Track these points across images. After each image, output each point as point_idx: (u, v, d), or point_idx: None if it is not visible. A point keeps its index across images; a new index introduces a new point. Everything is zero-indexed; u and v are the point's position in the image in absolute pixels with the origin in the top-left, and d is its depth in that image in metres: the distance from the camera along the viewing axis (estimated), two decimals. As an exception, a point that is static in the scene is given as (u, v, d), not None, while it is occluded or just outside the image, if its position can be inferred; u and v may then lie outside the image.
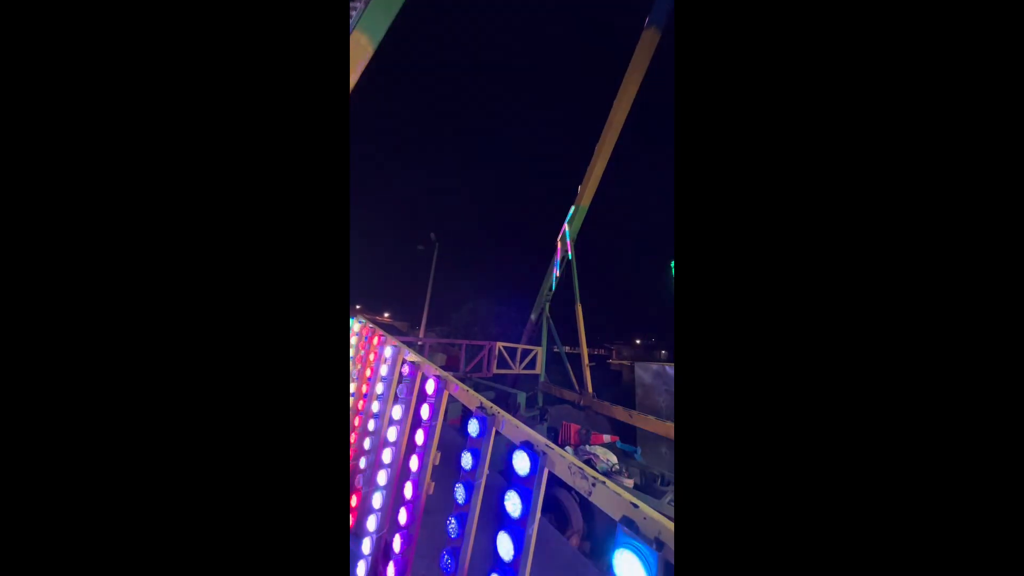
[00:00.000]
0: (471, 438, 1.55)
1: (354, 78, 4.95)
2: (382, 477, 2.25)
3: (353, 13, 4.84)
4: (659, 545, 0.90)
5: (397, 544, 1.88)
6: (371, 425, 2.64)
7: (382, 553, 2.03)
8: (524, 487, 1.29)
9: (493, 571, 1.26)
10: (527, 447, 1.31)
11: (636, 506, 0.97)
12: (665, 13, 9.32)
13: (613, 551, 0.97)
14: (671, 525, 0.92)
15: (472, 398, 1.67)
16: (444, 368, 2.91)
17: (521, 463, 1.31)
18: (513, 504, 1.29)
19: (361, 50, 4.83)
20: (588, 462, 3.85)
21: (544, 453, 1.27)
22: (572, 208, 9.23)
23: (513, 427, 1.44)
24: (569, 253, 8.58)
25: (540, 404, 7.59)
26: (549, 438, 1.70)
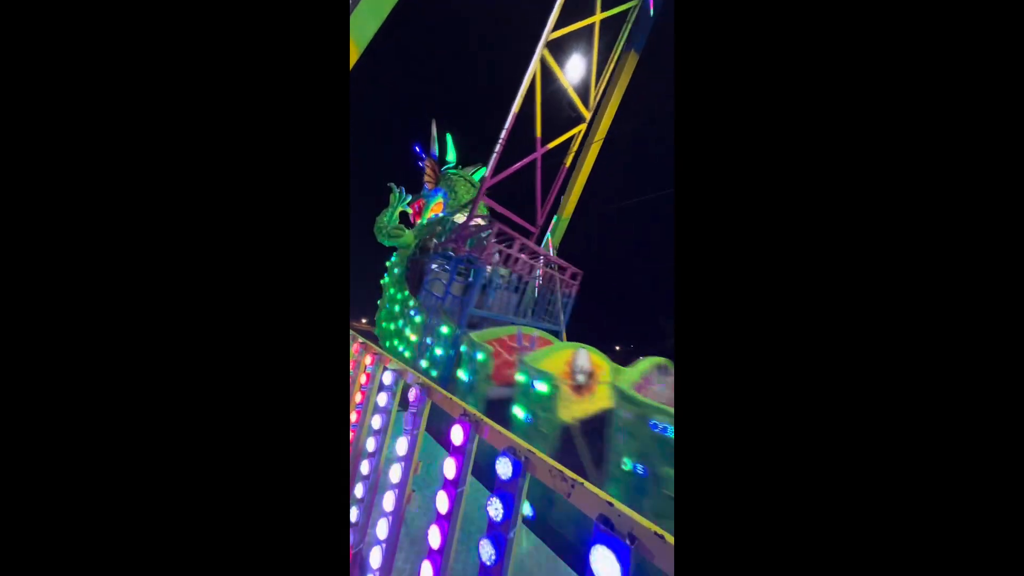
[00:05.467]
0: (454, 446, 1.58)
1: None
2: (359, 489, 2.21)
3: None
4: (632, 539, 0.97)
5: (376, 559, 1.85)
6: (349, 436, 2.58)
7: (359, 568, 1.98)
8: (506, 492, 1.33)
9: (475, 576, 1.28)
10: (509, 453, 1.36)
11: (611, 504, 1.05)
12: (644, 37, 10.04)
13: (589, 548, 1.03)
14: (643, 520, 0.99)
15: (455, 406, 1.70)
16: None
17: (504, 469, 1.36)
18: (495, 509, 1.33)
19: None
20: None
21: (526, 459, 1.33)
22: (555, 218, 9.68)
23: (497, 433, 1.48)
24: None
25: None
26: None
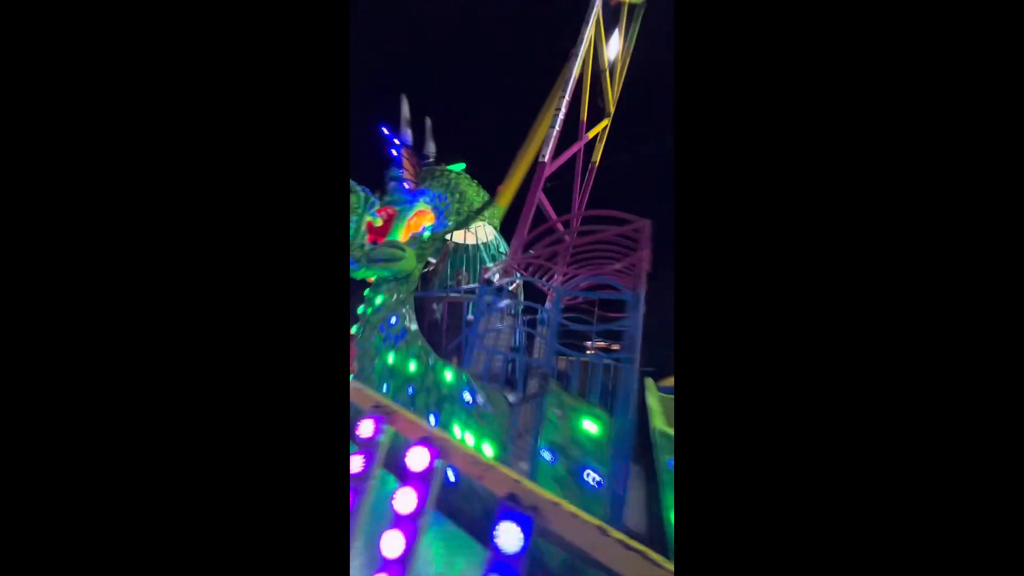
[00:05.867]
0: (364, 440, 1.51)
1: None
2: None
3: None
4: (534, 510, 1.10)
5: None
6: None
7: None
8: (419, 483, 1.34)
9: (381, 571, 1.26)
10: (426, 443, 1.37)
11: (518, 482, 1.16)
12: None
13: (495, 524, 1.13)
14: (546, 494, 1.13)
15: (367, 397, 1.62)
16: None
17: (417, 460, 1.36)
18: (406, 501, 1.33)
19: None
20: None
21: (442, 448, 1.36)
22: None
23: (409, 424, 1.47)
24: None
25: None
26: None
